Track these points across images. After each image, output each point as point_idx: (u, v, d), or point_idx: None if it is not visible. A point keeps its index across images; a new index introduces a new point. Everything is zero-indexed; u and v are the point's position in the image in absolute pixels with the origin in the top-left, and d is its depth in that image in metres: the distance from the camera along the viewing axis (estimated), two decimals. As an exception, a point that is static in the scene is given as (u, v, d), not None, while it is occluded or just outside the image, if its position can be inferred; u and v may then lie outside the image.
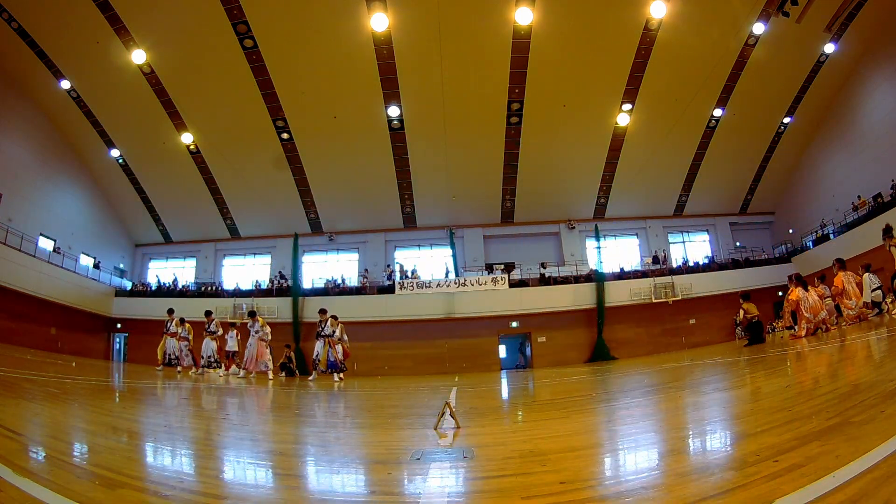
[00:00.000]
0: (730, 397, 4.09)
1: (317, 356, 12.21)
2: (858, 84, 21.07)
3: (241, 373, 12.90)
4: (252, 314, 13.58)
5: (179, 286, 24.65)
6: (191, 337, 13.54)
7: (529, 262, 24.65)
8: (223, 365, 13.38)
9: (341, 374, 12.04)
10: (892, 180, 18.44)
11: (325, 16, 18.58)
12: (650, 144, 23.00)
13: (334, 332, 12.18)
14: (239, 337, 14.13)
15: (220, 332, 13.72)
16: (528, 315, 22.06)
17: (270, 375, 12.86)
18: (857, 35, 19.81)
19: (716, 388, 4.83)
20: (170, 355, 13.21)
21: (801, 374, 4.93)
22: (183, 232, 26.42)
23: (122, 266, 25.71)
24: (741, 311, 12.25)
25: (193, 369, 13.22)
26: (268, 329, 12.87)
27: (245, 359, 12.80)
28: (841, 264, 10.43)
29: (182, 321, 13.66)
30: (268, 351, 13.00)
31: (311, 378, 12.17)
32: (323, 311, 12.48)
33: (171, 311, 13.78)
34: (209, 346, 13.27)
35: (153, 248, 27.01)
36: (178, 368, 13.02)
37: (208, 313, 13.84)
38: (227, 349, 13.76)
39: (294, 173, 23.63)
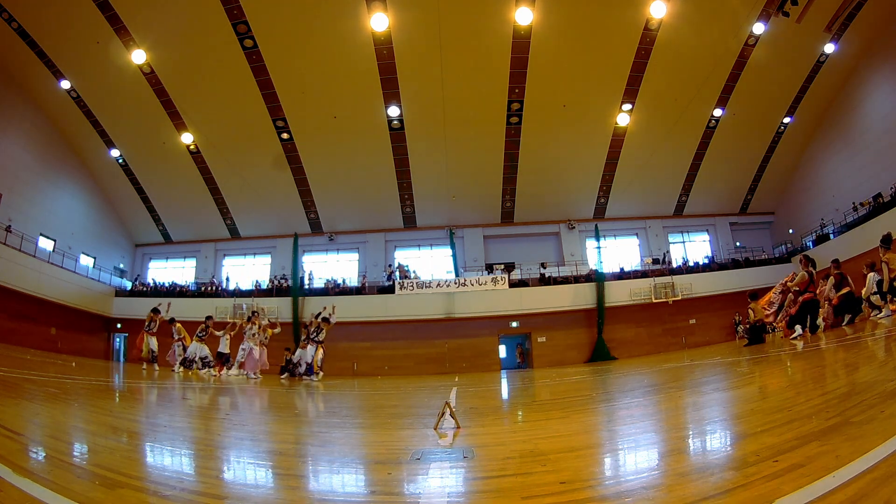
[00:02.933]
0: (730, 397, 4.09)
1: (319, 361, 12.20)
2: (858, 84, 21.07)
3: (235, 373, 12.93)
4: (253, 314, 13.57)
5: (185, 285, 24.68)
6: (185, 336, 13.59)
7: (529, 262, 24.65)
8: (214, 366, 13.34)
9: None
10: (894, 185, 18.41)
11: (325, 16, 18.58)
12: (650, 144, 23.01)
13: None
14: (229, 338, 14.14)
15: (206, 335, 13.73)
16: (528, 315, 22.07)
17: (252, 375, 12.70)
18: (857, 35, 19.81)
19: (716, 388, 4.83)
20: (152, 351, 13.33)
21: (801, 374, 4.93)
22: (183, 232, 26.42)
23: (122, 266, 25.73)
24: (750, 312, 12.24)
25: (189, 368, 13.23)
26: (255, 329, 12.82)
27: (238, 360, 12.76)
28: (836, 265, 10.42)
29: (172, 321, 13.68)
30: (259, 353, 12.83)
31: (316, 379, 12.02)
32: (326, 321, 12.54)
33: (156, 311, 13.78)
34: (202, 349, 13.29)
35: (153, 248, 27.02)
36: (173, 368, 13.07)
37: (208, 318, 13.87)
38: (218, 350, 13.74)
39: (294, 173, 23.64)
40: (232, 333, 14.07)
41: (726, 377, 5.84)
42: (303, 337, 12.80)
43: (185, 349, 13.57)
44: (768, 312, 11.89)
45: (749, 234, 26.61)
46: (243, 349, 12.64)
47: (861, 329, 8.19)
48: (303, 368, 12.38)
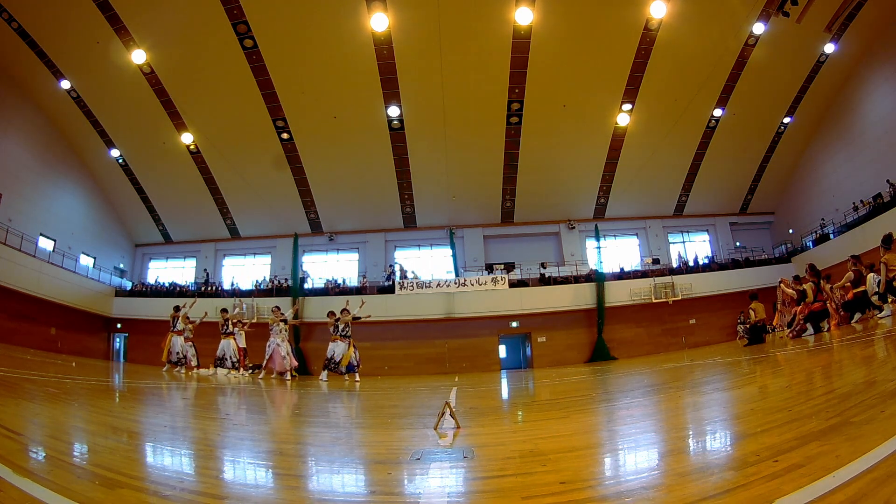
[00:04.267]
0: (730, 397, 4.09)
1: (348, 357, 11.49)
2: (858, 84, 21.07)
3: (243, 372, 12.82)
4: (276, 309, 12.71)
5: (185, 285, 24.66)
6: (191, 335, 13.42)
7: (529, 262, 24.66)
8: (239, 365, 13.06)
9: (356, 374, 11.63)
10: (888, 181, 18.50)
11: (325, 16, 18.58)
12: (650, 144, 23.01)
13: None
14: (244, 333, 14.00)
15: (236, 330, 13.29)
16: (528, 315, 22.07)
17: (288, 377, 11.90)
18: (857, 35, 19.81)
19: (716, 389, 4.83)
20: (178, 354, 12.86)
21: (801, 373, 4.93)
22: (183, 232, 26.43)
23: (122, 266, 25.73)
24: (752, 312, 12.26)
25: (200, 369, 13.10)
26: (282, 326, 12.21)
27: (270, 359, 12.09)
28: (855, 260, 10.43)
29: (188, 319, 13.44)
30: (284, 351, 12.09)
31: (350, 380, 11.32)
32: (346, 311, 11.88)
33: (177, 309, 13.42)
34: (229, 347, 12.69)
35: (153, 248, 27.03)
36: (178, 369, 12.83)
37: (223, 311, 13.42)
38: (240, 346, 13.53)
39: (294, 173, 23.64)
40: (246, 329, 13.87)
41: (726, 377, 5.84)
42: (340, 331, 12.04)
43: (195, 351, 13.42)
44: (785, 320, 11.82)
45: (749, 234, 26.61)
46: (269, 346, 11.90)
47: (862, 329, 8.20)
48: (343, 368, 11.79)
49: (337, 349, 11.53)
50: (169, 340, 12.98)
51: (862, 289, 9.98)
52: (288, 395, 7.98)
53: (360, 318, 12.26)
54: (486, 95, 21.37)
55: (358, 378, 11.44)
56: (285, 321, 12.46)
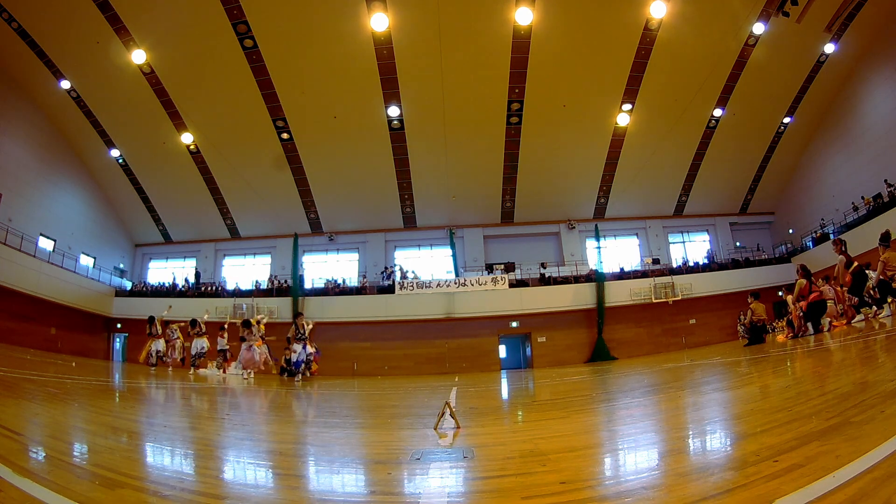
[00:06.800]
0: (730, 397, 4.09)
1: (308, 357, 12.23)
2: (858, 84, 21.07)
3: (243, 373, 12.86)
4: (246, 324, 12.56)
5: (189, 285, 24.66)
6: (180, 338, 13.74)
7: (529, 262, 24.66)
8: (217, 365, 13.43)
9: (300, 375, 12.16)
10: (885, 181, 18.50)
11: (325, 16, 18.58)
12: (650, 144, 23.01)
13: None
14: (227, 336, 14.26)
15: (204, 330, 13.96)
16: (528, 315, 22.07)
17: (245, 375, 12.07)
18: (857, 35, 19.81)
19: (716, 388, 4.83)
20: (157, 353, 13.47)
21: (801, 374, 4.93)
22: (183, 232, 26.43)
23: (122, 266, 25.73)
24: (749, 311, 12.27)
25: (190, 369, 13.28)
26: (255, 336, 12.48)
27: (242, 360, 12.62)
28: (840, 246, 10.38)
29: (168, 324, 14.00)
30: (255, 353, 12.33)
31: (297, 380, 11.83)
32: (300, 315, 12.75)
33: (152, 319, 14.11)
34: (197, 345, 13.58)
35: (153, 248, 27.04)
36: (164, 367, 13.18)
37: (194, 323, 14.10)
38: (218, 348, 13.84)
39: (294, 173, 23.64)
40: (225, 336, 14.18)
41: (726, 377, 5.84)
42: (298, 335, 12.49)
43: (183, 350, 13.70)
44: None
45: (749, 234, 26.62)
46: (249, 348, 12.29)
47: (862, 329, 8.20)
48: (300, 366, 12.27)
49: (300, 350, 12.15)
50: (148, 344, 13.62)
51: (854, 266, 9.85)
52: (285, 395, 7.98)
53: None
54: (486, 95, 21.37)
55: (298, 378, 11.91)
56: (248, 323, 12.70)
